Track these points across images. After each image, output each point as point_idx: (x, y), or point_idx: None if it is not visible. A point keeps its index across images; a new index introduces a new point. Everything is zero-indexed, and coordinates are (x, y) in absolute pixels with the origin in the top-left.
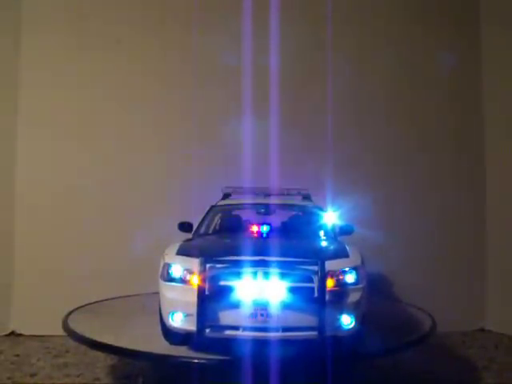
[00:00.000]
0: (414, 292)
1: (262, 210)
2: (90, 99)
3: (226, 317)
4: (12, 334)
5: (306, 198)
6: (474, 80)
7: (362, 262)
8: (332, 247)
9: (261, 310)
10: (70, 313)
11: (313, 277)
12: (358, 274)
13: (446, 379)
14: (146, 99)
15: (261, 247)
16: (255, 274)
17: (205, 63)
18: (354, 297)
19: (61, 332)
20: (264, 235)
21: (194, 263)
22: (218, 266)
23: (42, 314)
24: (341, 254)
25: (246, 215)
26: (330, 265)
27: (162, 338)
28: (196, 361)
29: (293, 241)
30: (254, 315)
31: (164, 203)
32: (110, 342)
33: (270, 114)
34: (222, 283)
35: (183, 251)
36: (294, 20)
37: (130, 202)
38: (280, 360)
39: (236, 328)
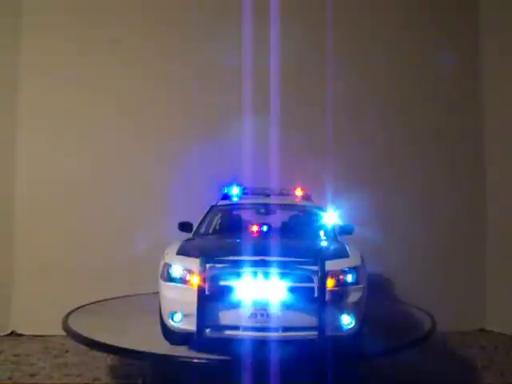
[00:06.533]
0: (413, 292)
1: (262, 210)
2: (89, 102)
3: (225, 317)
4: (12, 333)
5: (306, 198)
6: (474, 80)
7: (362, 262)
8: (332, 247)
9: (261, 310)
10: (70, 313)
11: (313, 277)
12: (357, 274)
13: (446, 379)
14: (146, 101)
15: (261, 247)
16: (255, 273)
17: (205, 65)
18: (354, 297)
19: (61, 332)
20: (264, 235)
21: (194, 263)
22: (218, 265)
23: (42, 314)
24: (341, 253)
25: (246, 215)
26: (330, 265)
27: (162, 337)
28: (196, 361)
29: (293, 241)
30: (253, 315)
31: (164, 203)
32: (110, 342)
33: (270, 115)
34: (222, 283)
35: (183, 251)
36: (294, 23)
37: (130, 202)
38: (280, 360)
39: (236, 328)
